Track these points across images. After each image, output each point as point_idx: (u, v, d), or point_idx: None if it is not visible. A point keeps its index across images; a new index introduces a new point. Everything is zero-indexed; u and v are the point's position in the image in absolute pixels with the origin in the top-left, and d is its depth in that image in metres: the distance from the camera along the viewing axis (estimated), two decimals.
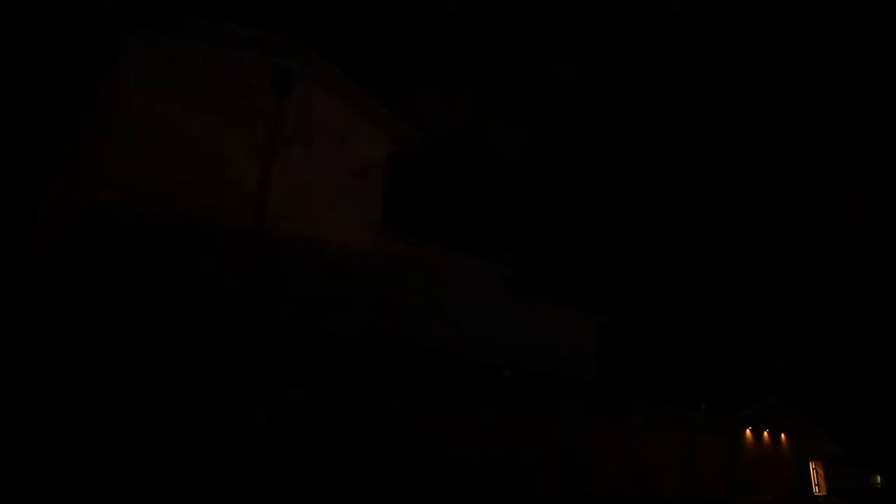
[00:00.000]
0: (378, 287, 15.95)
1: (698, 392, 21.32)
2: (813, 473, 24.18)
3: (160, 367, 8.77)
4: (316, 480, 10.10)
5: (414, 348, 15.52)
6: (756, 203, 64.92)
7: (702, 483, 18.59)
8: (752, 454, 20.70)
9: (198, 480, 8.64)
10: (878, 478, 32.86)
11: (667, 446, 17.98)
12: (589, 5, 62.96)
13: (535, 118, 65.58)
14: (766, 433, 21.60)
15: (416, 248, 17.95)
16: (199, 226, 13.43)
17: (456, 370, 14.00)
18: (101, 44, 12.82)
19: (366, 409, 11.13)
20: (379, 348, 13.77)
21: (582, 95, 67.82)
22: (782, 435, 22.41)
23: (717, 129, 66.86)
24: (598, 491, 15.48)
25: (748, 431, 20.78)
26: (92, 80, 13.17)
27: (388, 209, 17.26)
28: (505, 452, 13.34)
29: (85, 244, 10.93)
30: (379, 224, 16.49)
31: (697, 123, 66.08)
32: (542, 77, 66.07)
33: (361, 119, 16.67)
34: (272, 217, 14.82)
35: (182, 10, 13.13)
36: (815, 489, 24.04)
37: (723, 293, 62.07)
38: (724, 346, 54.82)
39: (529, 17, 63.54)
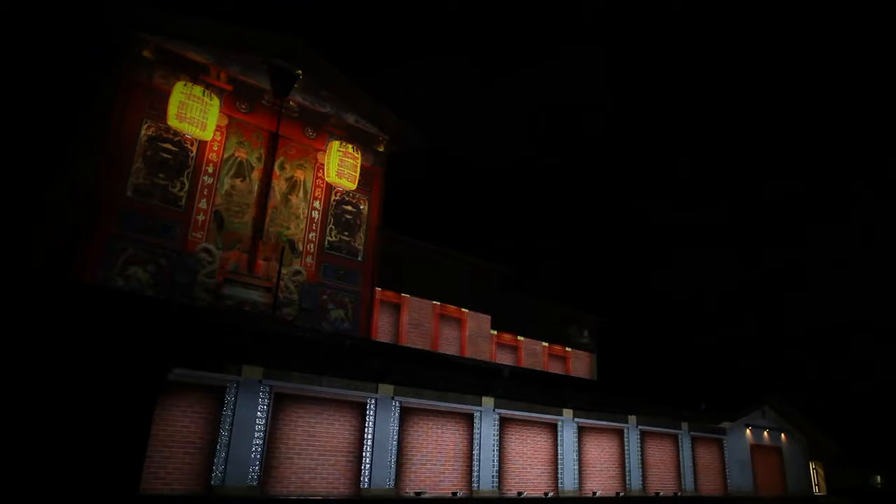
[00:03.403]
0: None
1: (698, 391, 21.30)
2: (813, 473, 24.17)
3: None
4: None
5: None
6: (757, 202, 64.90)
7: (701, 483, 18.60)
8: (752, 454, 20.71)
9: None
10: (878, 478, 32.82)
11: (666, 445, 17.98)
12: (589, 3, 62.95)
13: (535, 117, 65.69)
14: (766, 433, 21.61)
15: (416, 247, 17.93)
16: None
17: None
18: (103, 45, 12.81)
19: None
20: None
21: (582, 94, 67.84)
22: (782, 435, 22.41)
23: (718, 129, 66.86)
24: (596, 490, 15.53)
25: (748, 431, 20.80)
26: (93, 81, 13.15)
27: (388, 208, 17.28)
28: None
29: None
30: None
31: (698, 122, 66.09)
32: (542, 75, 66.12)
33: (361, 119, 16.67)
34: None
35: (183, 12, 13.11)
36: (815, 489, 24.03)
37: (723, 292, 62.16)
38: (724, 345, 54.82)
39: (529, 15, 63.59)
